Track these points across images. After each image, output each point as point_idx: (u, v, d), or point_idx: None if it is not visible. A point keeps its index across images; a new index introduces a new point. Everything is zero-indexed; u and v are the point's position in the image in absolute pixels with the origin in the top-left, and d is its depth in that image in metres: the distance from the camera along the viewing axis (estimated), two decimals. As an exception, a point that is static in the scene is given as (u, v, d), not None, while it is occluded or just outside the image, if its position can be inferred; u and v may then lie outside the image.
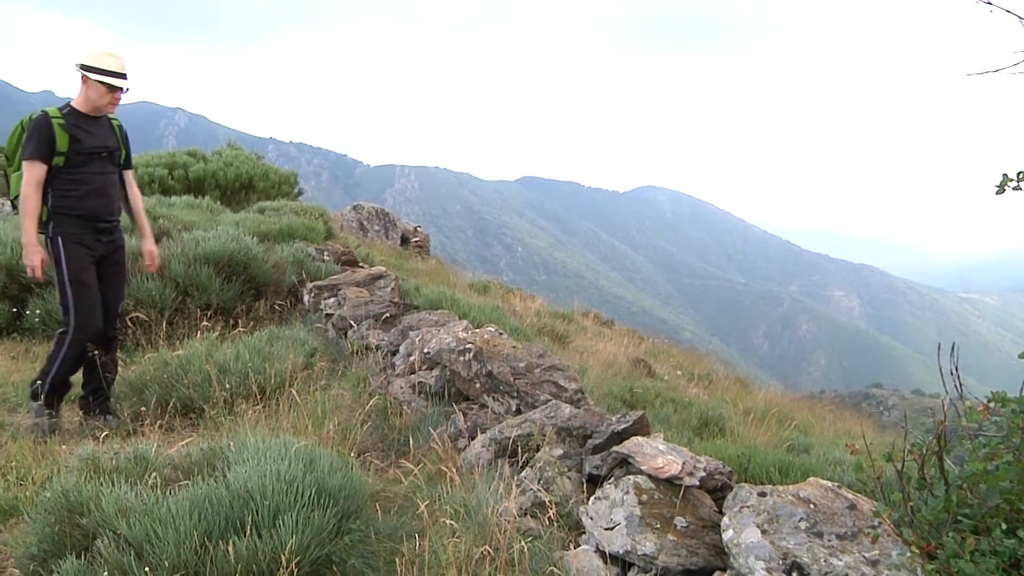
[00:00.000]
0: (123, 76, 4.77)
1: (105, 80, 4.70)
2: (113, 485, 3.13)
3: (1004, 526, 2.13)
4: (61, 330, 4.84)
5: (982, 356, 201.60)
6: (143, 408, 4.88)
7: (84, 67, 4.69)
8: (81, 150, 4.75)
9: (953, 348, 2.49)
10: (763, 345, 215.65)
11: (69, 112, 4.77)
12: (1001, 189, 2.26)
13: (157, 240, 8.08)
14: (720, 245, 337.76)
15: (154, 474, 3.32)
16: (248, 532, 2.88)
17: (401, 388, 5.21)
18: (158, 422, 4.80)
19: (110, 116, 4.98)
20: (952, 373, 2.44)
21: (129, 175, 5.25)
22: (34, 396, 4.84)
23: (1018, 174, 2.21)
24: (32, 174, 4.64)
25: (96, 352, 4.86)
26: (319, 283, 7.91)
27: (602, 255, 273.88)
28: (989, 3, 1.84)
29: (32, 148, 4.64)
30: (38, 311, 6.62)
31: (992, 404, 2.39)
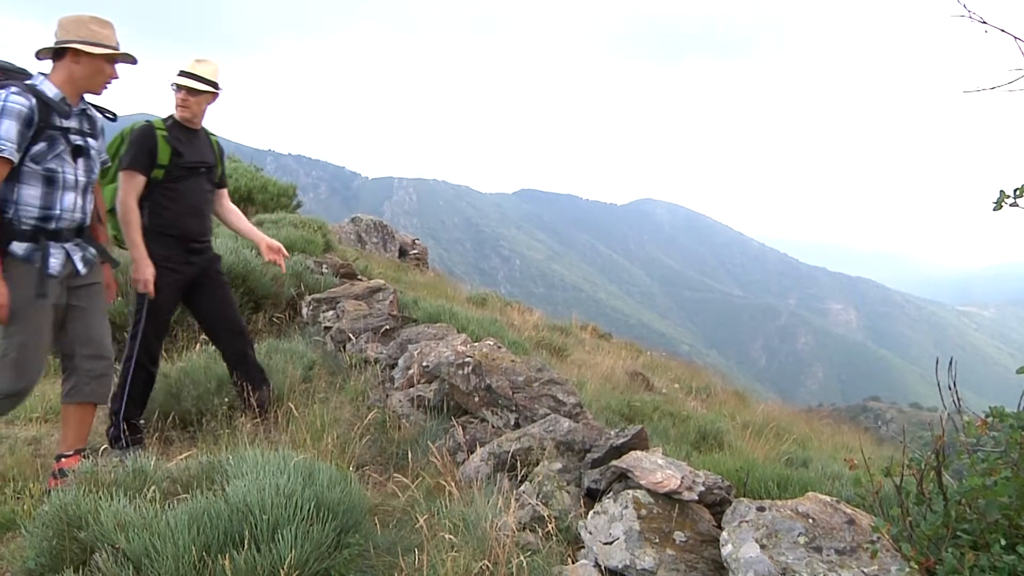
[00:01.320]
0: (207, 81, 4.60)
1: (187, 83, 4.55)
2: (112, 499, 3.13)
3: (1003, 542, 2.13)
4: (126, 355, 4.62)
5: (980, 369, 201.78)
6: (142, 420, 4.88)
7: (181, 75, 4.57)
8: (181, 164, 4.59)
9: (951, 362, 2.50)
10: (761, 358, 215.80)
11: (172, 124, 4.62)
12: (998, 206, 2.28)
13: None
14: (718, 258, 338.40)
15: (153, 488, 3.32)
16: (247, 546, 2.87)
17: (400, 401, 5.21)
18: (157, 435, 4.81)
19: (208, 132, 4.86)
20: (950, 387, 2.45)
21: (224, 193, 5.09)
22: (114, 442, 4.58)
23: (1015, 191, 2.23)
24: (130, 185, 4.45)
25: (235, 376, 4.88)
26: (318, 296, 7.91)
27: (600, 268, 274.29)
28: (984, 22, 1.86)
29: (131, 158, 4.45)
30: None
31: (990, 419, 2.39)
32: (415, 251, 17.97)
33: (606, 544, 3.07)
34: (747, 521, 2.86)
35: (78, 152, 3.82)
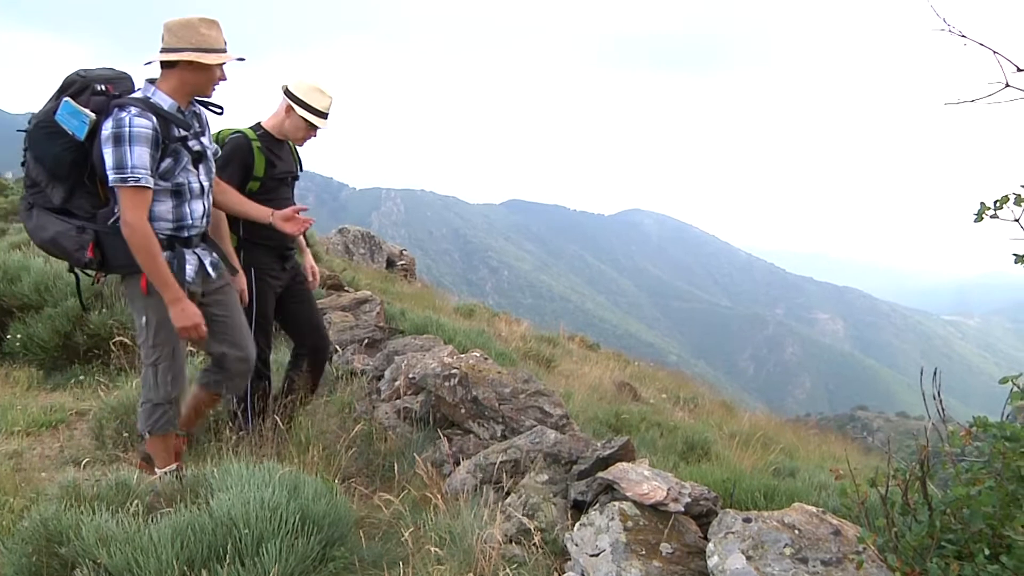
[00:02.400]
0: (325, 116, 4.59)
1: (309, 118, 4.51)
2: (94, 513, 3.09)
3: (987, 551, 2.14)
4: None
5: (965, 378, 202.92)
6: (126, 434, 4.83)
7: (292, 97, 4.50)
8: (274, 175, 4.56)
9: (935, 372, 2.51)
10: (749, 368, 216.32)
11: (263, 135, 4.56)
12: (979, 217, 2.30)
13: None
14: (706, 268, 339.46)
15: (136, 501, 3.29)
16: (231, 560, 2.85)
17: (386, 413, 5.19)
18: (141, 448, 4.76)
19: (291, 143, 4.80)
20: (935, 397, 2.46)
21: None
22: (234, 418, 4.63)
23: (995, 202, 2.25)
24: None
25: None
26: (304, 307, 7.88)
27: (588, 278, 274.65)
28: (963, 36, 1.88)
29: (228, 175, 4.32)
30: (19, 336, 6.55)
31: (974, 429, 2.40)
32: (403, 262, 17.95)
33: (592, 556, 3.06)
34: (733, 532, 2.86)
35: (198, 158, 3.74)
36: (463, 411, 4.72)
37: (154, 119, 3.46)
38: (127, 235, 3.45)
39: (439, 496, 3.71)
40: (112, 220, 3.55)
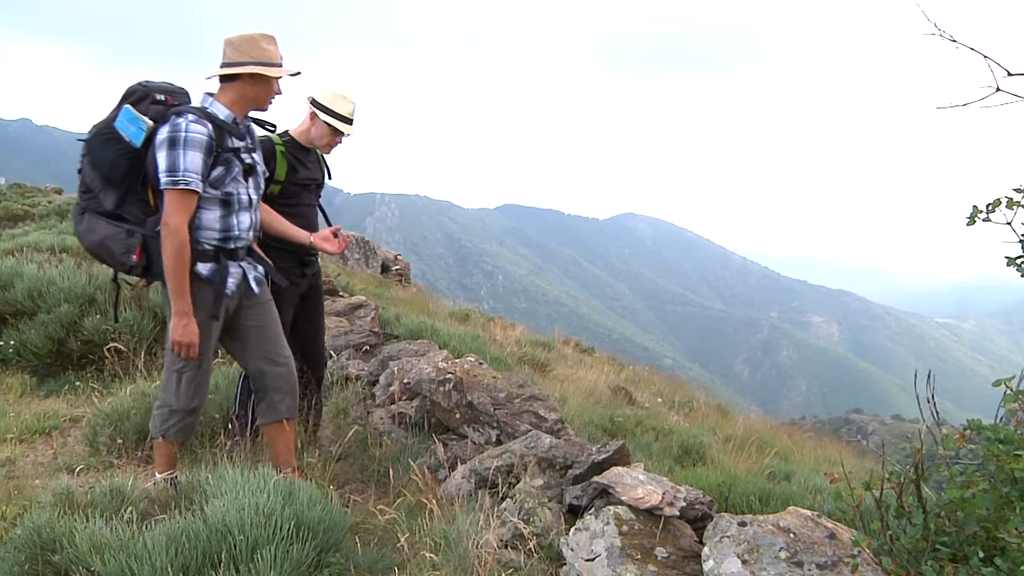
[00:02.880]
0: (350, 122, 4.62)
1: (332, 123, 4.56)
2: (88, 520, 3.08)
3: (981, 554, 2.14)
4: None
5: (960, 381, 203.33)
6: (120, 440, 4.82)
7: (316, 104, 4.55)
8: (296, 181, 4.59)
9: (929, 375, 2.52)
10: (744, 371, 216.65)
11: (289, 141, 4.60)
12: (971, 221, 2.31)
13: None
14: (700, 272, 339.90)
15: (130, 508, 3.28)
16: (226, 567, 2.84)
17: (381, 419, 5.19)
18: (136, 454, 4.75)
19: (318, 151, 4.83)
20: (929, 400, 2.47)
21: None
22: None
23: (987, 206, 2.26)
24: None
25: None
26: (299, 313, 7.86)
27: (583, 282, 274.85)
28: (953, 40, 1.88)
29: None
30: (12, 342, 6.54)
31: (968, 432, 2.41)
32: (397, 267, 17.93)
33: (588, 561, 3.06)
34: (728, 536, 2.86)
35: (248, 171, 3.78)
36: (458, 416, 4.71)
37: (210, 127, 3.53)
38: (164, 236, 3.48)
39: (434, 501, 3.71)
40: (159, 226, 3.58)
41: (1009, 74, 2.03)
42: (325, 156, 4.92)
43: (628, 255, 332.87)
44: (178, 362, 3.72)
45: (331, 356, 6.46)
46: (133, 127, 3.53)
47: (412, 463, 4.26)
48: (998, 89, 2.03)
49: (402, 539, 3.21)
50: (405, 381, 5.23)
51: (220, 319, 3.75)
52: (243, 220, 3.79)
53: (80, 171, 3.72)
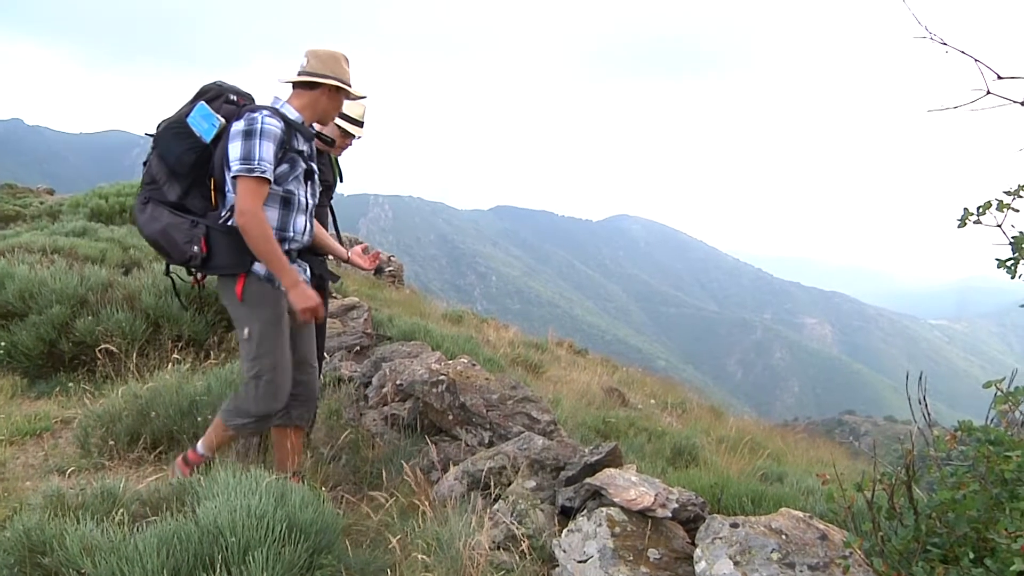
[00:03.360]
0: (361, 124, 4.63)
1: (343, 125, 4.57)
2: (78, 522, 3.07)
3: (972, 555, 2.15)
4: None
5: (952, 382, 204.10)
6: (112, 442, 4.80)
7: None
8: None
9: (921, 376, 2.53)
10: (737, 373, 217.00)
11: None
12: (962, 223, 2.32)
13: (127, 271, 7.99)
14: (693, 274, 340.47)
15: (121, 510, 3.26)
16: (218, 569, 2.83)
17: (374, 420, 5.18)
18: (128, 456, 4.73)
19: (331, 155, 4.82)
20: (921, 401, 2.47)
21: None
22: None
23: (977, 208, 2.27)
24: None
25: None
26: (291, 314, 7.85)
27: (576, 284, 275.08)
28: (944, 43, 1.89)
29: None
30: (3, 343, 6.51)
31: (959, 433, 2.42)
32: (390, 268, 17.91)
33: (580, 562, 3.06)
34: (721, 538, 2.86)
35: (308, 175, 3.83)
36: (451, 417, 4.71)
37: (282, 123, 3.62)
38: (242, 224, 3.51)
39: (427, 503, 3.70)
40: (222, 220, 3.65)
41: (999, 77, 2.04)
42: (338, 159, 4.92)
43: (621, 257, 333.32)
44: (253, 368, 3.72)
45: (324, 357, 6.46)
46: (206, 123, 3.63)
47: (405, 464, 4.25)
48: (988, 92, 2.04)
49: (394, 540, 3.21)
50: (398, 383, 5.23)
51: (285, 314, 3.77)
52: (299, 222, 3.84)
53: (146, 163, 3.81)
